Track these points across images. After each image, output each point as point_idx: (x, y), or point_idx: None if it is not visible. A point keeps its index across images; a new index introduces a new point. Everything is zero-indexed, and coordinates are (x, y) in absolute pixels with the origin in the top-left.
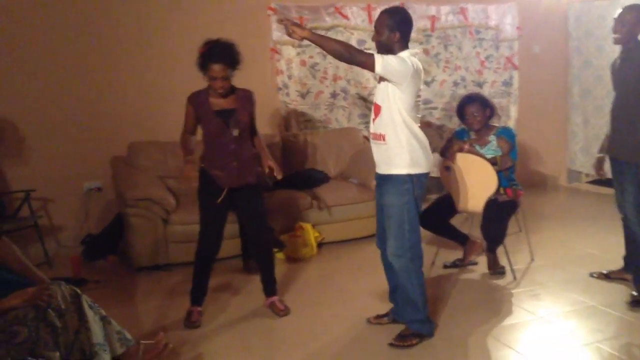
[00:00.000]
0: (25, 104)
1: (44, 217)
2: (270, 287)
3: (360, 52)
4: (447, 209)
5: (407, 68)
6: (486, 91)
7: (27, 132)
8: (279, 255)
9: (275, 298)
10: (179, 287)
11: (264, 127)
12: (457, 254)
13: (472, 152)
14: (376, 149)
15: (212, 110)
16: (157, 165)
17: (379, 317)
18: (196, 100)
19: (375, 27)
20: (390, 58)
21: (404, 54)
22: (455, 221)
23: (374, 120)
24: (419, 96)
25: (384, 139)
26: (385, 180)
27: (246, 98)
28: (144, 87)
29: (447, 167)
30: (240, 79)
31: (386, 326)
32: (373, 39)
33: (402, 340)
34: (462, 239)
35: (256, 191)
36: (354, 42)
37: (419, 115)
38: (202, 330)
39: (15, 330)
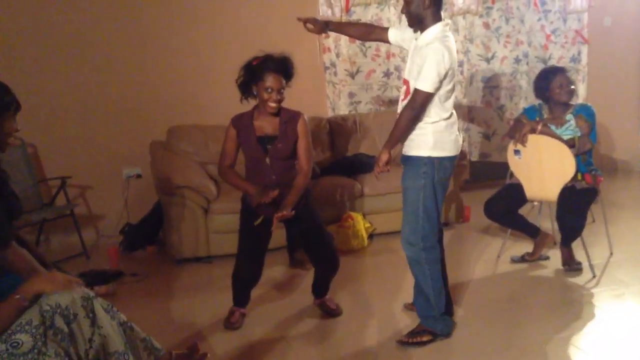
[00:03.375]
0: (62, 88)
1: (82, 206)
2: (323, 290)
3: (413, 102)
4: (516, 198)
5: (446, 65)
6: None
7: (64, 116)
8: None
9: (326, 297)
10: (220, 282)
11: (310, 109)
12: (525, 247)
13: (547, 133)
14: None
15: (255, 135)
16: (197, 151)
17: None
18: (240, 124)
19: None
20: (430, 72)
21: (437, 29)
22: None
23: (402, 100)
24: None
25: None
26: (405, 161)
27: (292, 122)
28: (186, 70)
29: (516, 150)
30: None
31: None
32: (402, 10)
33: (412, 337)
34: (532, 231)
35: (305, 205)
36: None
37: (454, 96)
38: (243, 332)
39: (17, 340)
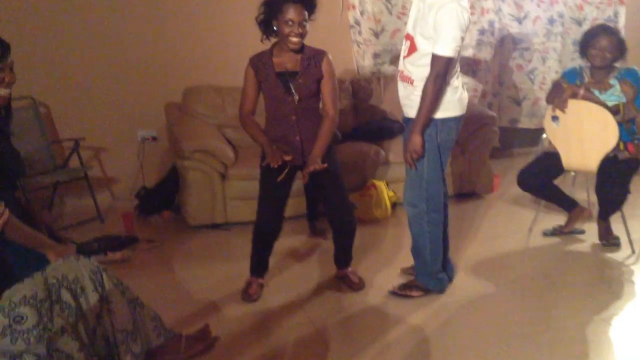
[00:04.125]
0: (76, 47)
1: (97, 168)
2: (344, 260)
3: (436, 70)
4: (552, 168)
5: (466, 27)
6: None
7: (77, 76)
8: None
9: (348, 269)
10: (237, 251)
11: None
12: (557, 219)
13: (589, 98)
14: (402, 89)
15: (274, 71)
16: (214, 113)
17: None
18: (258, 62)
19: None
20: (451, 35)
21: None
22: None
23: (405, 57)
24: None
25: (411, 83)
26: (407, 123)
27: (315, 59)
28: (201, 29)
29: (554, 117)
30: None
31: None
32: None
33: (403, 290)
34: (568, 204)
35: (329, 164)
36: None
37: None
38: (260, 304)
39: (20, 313)
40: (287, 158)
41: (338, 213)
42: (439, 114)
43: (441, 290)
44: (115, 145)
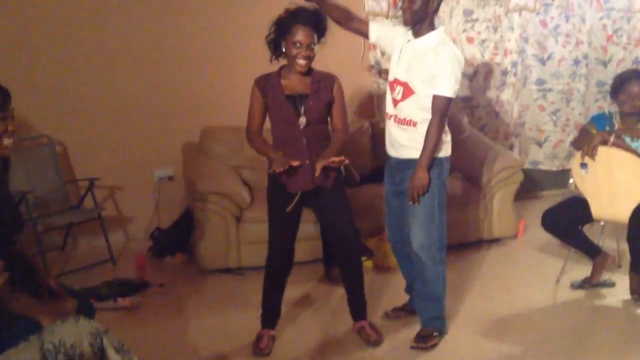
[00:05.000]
0: (94, 86)
1: (112, 207)
2: (358, 310)
3: (439, 111)
4: (580, 213)
5: (462, 69)
6: (611, 71)
7: (95, 115)
8: (367, 264)
9: (365, 322)
10: (251, 297)
11: (351, 112)
12: (587, 270)
13: (621, 145)
14: (400, 132)
15: (284, 94)
16: (232, 154)
17: (396, 310)
18: (265, 83)
19: None
20: (451, 77)
21: (442, 33)
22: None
23: (397, 101)
24: None
25: (414, 125)
26: (409, 164)
27: (326, 82)
28: (221, 68)
29: (583, 164)
30: (326, 56)
31: None
32: (402, 6)
33: (424, 342)
34: (593, 252)
35: (337, 191)
36: (460, 11)
37: None
38: (272, 358)
39: None
40: (295, 163)
41: (341, 244)
42: (442, 154)
43: (446, 329)
44: (131, 184)
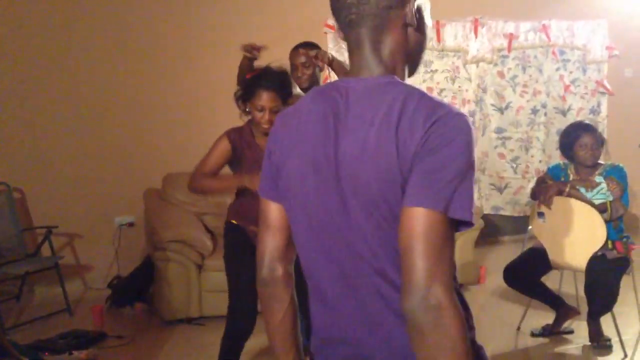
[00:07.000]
0: (53, 131)
1: (70, 255)
2: None
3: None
4: (539, 264)
5: None
6: (571, 120)
7: (53, 161)
8: None
9: None
10: (212, 350)
11: None
12: (548, 317)
13: (576, 196)
14: None
15: (261, 154)
16: (194, 201)
17: None
18: (239, 139)
19: None
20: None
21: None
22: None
23: None
24: None
25: None
26: None
27: None
28: (183, 115)
29: (540, 213)
30: None
31: None
32: None
33: None
34: (555, 302)
35: None
36: None
37: None
38: None
39: None
40: None
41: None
42: None
43: None
44: (90, 231)
